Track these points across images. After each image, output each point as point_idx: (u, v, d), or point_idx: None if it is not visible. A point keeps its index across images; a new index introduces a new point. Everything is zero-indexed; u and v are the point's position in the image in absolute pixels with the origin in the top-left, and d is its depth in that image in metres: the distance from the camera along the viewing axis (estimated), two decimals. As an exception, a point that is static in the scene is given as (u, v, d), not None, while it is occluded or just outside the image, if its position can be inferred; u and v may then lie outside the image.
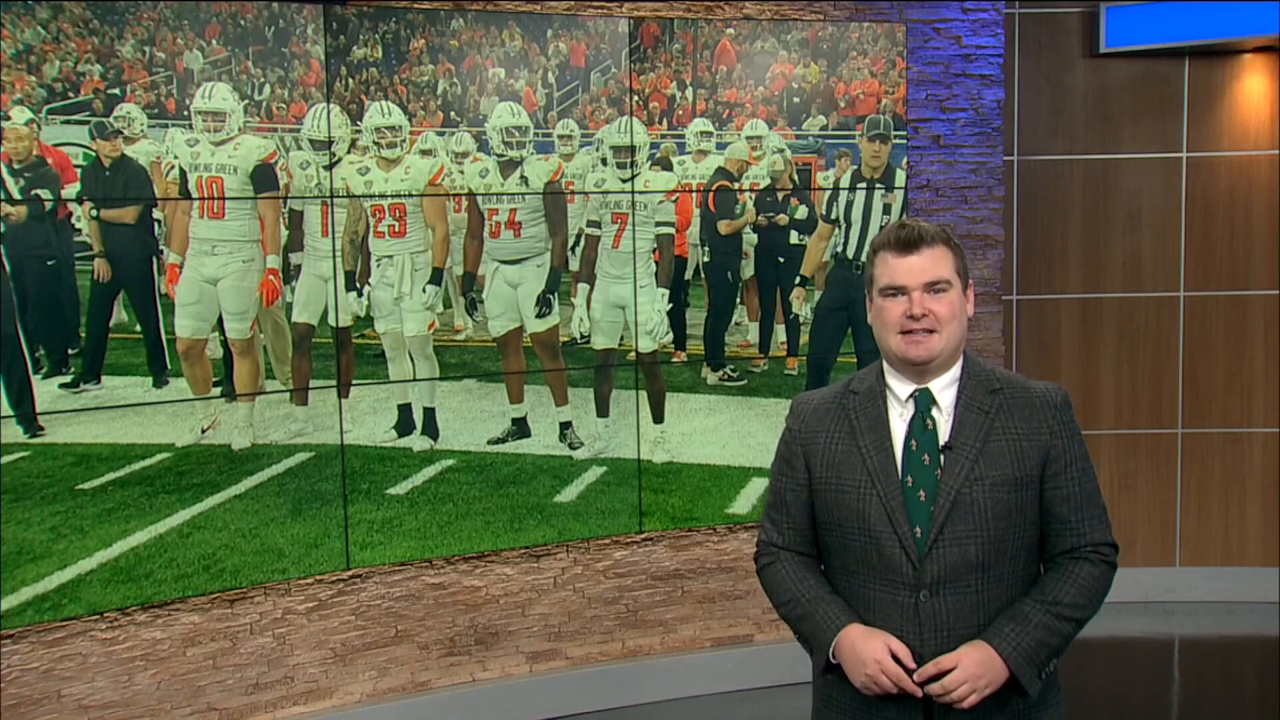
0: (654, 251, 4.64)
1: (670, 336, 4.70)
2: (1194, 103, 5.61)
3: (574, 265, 4.59)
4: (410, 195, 4.29)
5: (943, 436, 2.07)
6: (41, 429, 3.73)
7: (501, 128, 4.38)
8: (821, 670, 2.11)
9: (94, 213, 3.82)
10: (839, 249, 4.85)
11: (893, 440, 2.08)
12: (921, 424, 2.07)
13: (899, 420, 2.10)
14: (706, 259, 4.79)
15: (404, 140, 4.26)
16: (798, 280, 4.86)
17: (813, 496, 2.16)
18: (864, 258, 4.82)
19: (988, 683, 1.98)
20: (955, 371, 2.11)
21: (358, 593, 4.27)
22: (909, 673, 1.99)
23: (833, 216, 4.83)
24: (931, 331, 2.05)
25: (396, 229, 4.29)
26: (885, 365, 2.15)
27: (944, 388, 2.10)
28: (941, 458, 2.05)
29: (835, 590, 2.16)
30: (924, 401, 2.09)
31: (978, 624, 2.03)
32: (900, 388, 2.11)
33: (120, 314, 3.94)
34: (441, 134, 4.33)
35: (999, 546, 2.03)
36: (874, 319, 2.13)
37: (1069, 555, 2.09)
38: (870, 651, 2.00)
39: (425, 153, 4.31)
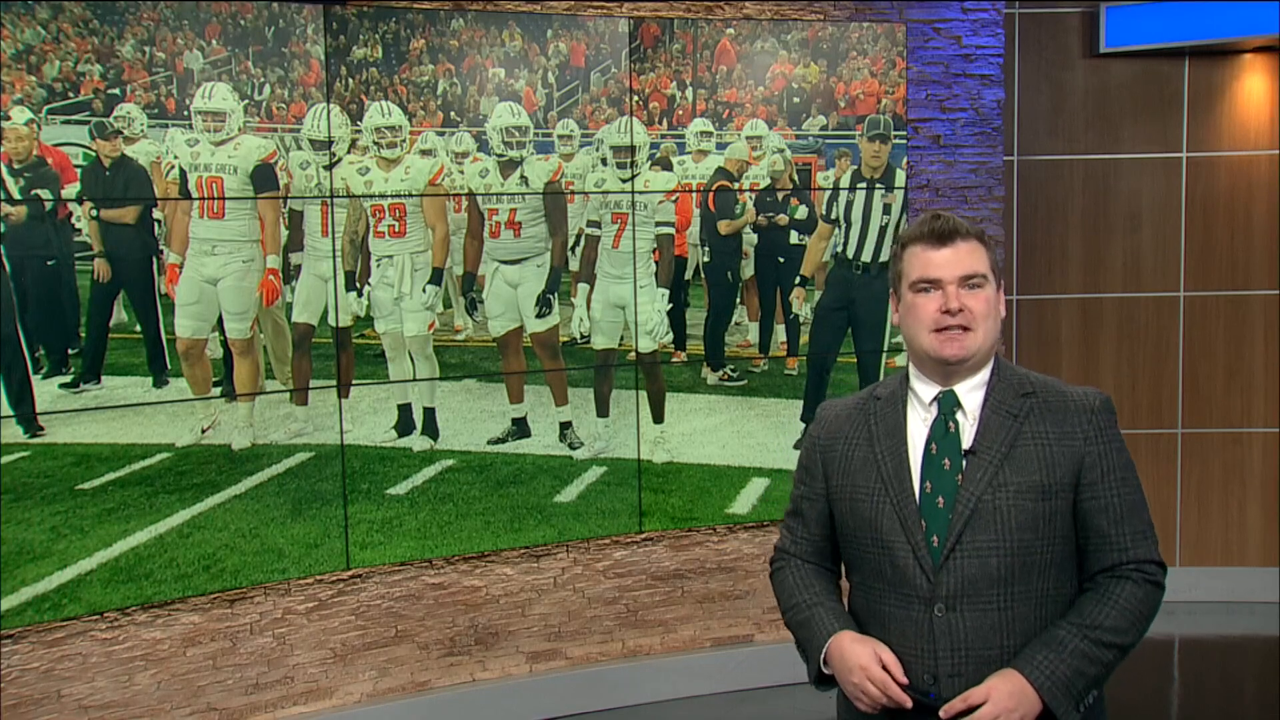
0: (654, 251, 4.64)
1: (670, 336, 4.70)
2: (1194, 103, 5.61)
3: (574, 265, 4.59)
4: (410, 195, 4.29)
5: (966, 441, 1.95)
6: (41, 429, 3.73)
7: (501, 128, 4.38)
8: (813, 680, 2.00)
9: (94, 213, 3.82)
10: (839, 249, 4.85)
11: (909, 445, 1.98)
12: (943, 427, 1.97)
13: (920, 424, 1.99)
14: (706, 259, 4.79)
15: (404, 140, 4.26)
16: (798, 280, 4.86)
17: (831, 506, 2.07)
18: (864, 257, 4.82)
19: (1020, 716, 1.84)
20: (984, 374, 2.00)
21: (358, 593, 4.27)
22: (904, 688, 1.89)
23: (833, 216, 4.83)
24: (967, 329, 1.94)
25: (396, 229, 4.29)
26: (911, 368, 2.04)
27: (971, 390, 1.99)
28: (963, 463, 1.94)
29: (853, 605, 2.06)
30: (948, 403, 1.98)
31: (1001, 645, 1.90)
32: (925, 390, 2.01)
33: (120, 314, 3.94)
34: (441, 134, 4.33)
35: (1023, 560, 1.90)
36: (904, 316, 2.01)
37: (1110, 574, 1.94)
38: (857, 658, 1.90)
39: (425, 153, 4.31)
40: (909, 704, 1.88)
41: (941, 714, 1.87)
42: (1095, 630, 1.90)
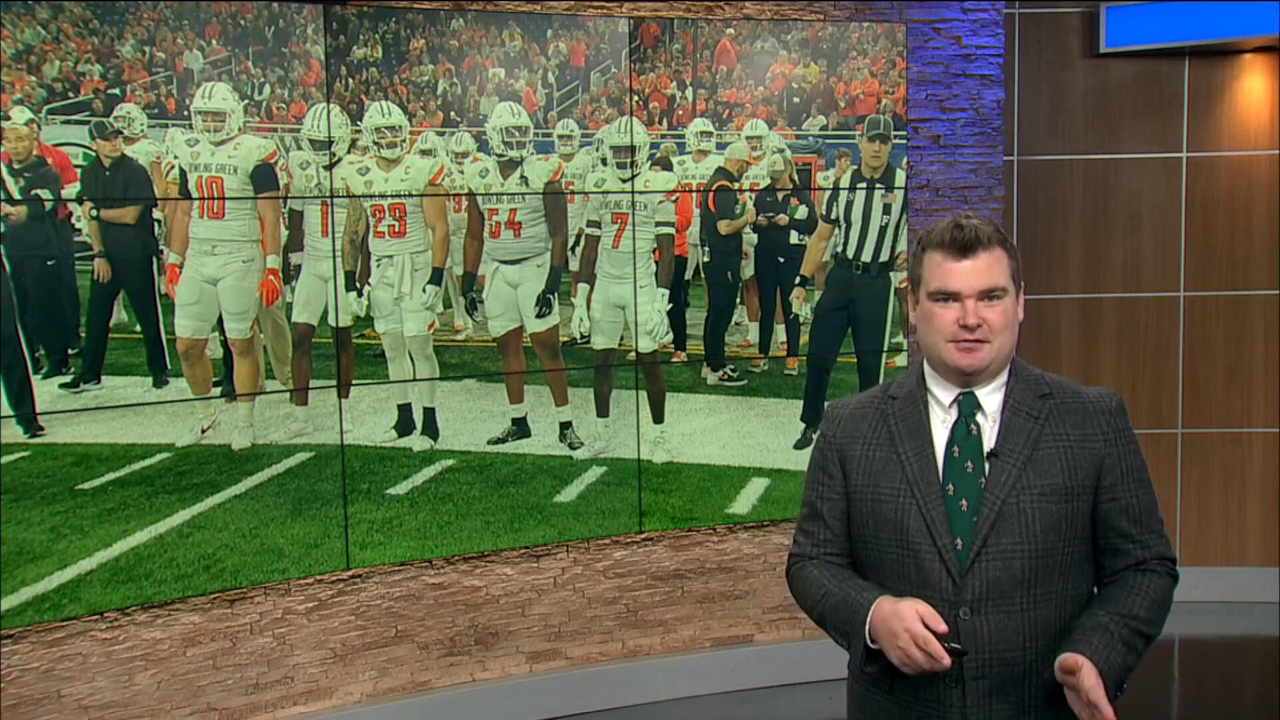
0: (654, 251, 4.64)
1: (670, 336, 4.70)
2: (1194, 103, 5.61)
3: (574, 265, 4.59)
4: (410, 195, 4.29)
5: (988, 443, 1.95)
6: (41, 429, 3.73)
7: (501, 128, 4.38)
8: (861, 661, 1.92)
9: (94, 213, 3.82)
10: (839, 249, 4.85)
11: (934, 447, 1.97)
12: (965, 429, 1.96)
13: (941, 426, 1.98)
14: (706, 259, 4.79)
15: (404, 140, 4.26)
16: (797, 280, 4.86)
17: (849, 505, 2.04)
18: (864, 257, 4.82)
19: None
20: (1002, 376, 1.99)
21: (358, 593, 4.27)
22: (942, 639, 1.81)
23: (833, 216, 4.83)
24: (984, 341, 1.93)
25: (396, 229, 4.29)
26: (927, 369, 2.03)
27: (990, 392, 1.98)
28: (986, 465, 1.94)
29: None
30: (968, 406, 1.97)
31: (1023, 646, 1.91)
32: (943, 393, 2.00)
33: (120, 314, 3.94)
34: (441, 134, 4.33)
35: (1047, 561, 1.91)
36: (920, 322, 2.00)
37: (1134, 570, 1.97)
38: (901, 622, 1.83)
39: (425, 153, 4.31)
40: (949, 664, 1.81)
41: (1060, 665, 1.83)
42: (1133, 620, 1.91)
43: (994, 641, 1.90)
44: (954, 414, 1.98)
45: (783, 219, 4.84)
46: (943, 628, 1.83)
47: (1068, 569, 1.94)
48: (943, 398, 2.00)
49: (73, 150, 3.78)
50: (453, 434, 4.45)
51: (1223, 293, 5.67)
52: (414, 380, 4.40)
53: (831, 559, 2.07)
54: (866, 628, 1.90)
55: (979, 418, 1.97)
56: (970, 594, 1.90)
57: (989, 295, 1.94)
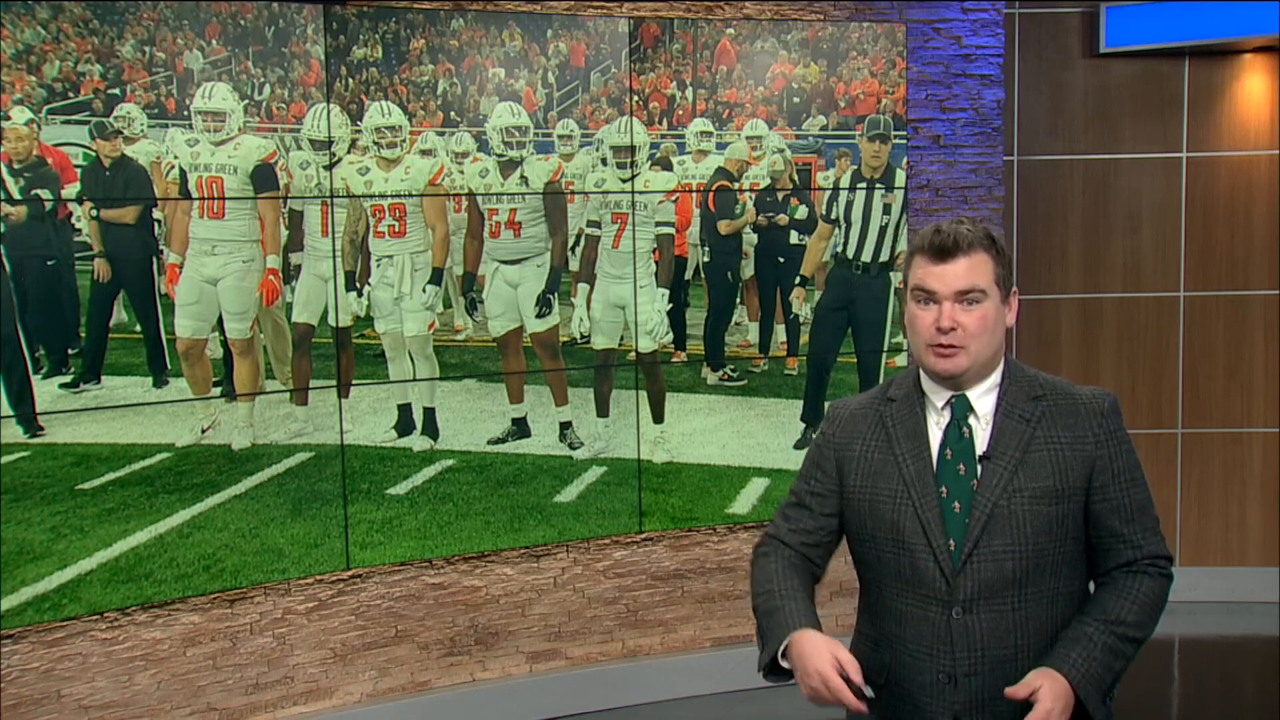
0: (654, 251, 4.64)
1: (670, 336, 4.70)
2: (1194, 103, 5.61)
3: (574, 265, 4.59)
4: (410, 195, 4.29)
5: (980, 445, 1.98)
6: (41, 429, 3.73)
7: (501, 128, 4.38)
8: (764, 668, 1.98)
9: (94, 213, 3.82)
10: (839, 249, 4.85)
11: (930, 449, 2.00)
12: (957, 432, 1.99)
13: (936, 428, 2.02)
14: (706, 259, 4.79)
15: (404, 140, 4.26)
16: (798, 280, 4.86)
17: (845, 506, 2.08)
18: (864, 257, 4.83)
19: (1061, 709, 1.87)
20: (995, 378, 2.02)
21: (358, 593, 4.28)
22: (857, 693, 1.86)
23: (833, 216, 4.83)
24: (958, 347, 1.95)
25: (396, 229, 4.29)
26: (921, 371, 2.06)
27: (982, 394, 2.01)
28: (979, 468, 1.97)
29: (867, 600, 2.09)
30: (960, 409, 2.00)
31: (1015, 645, 1.94)
32: (937, 396, 2.03)
33: (120, 314, 3.95)
34: (441, 134, 4.33)
35: (1038, 562, 1.94)
36: (907, 325, 2.05)
37: (1126, 569, 1.99)
38: (815, 662, 1.87)
39: (425, 153, 4.31)
40: (863, 709, 1.87)
41: (1007, 693, 1.89)
42: (1120, 626, 1.94)
43: (986, 640, 1.94)
44: (947, 416, 2.01)
45: (783, 219, 4.84)
46: (858, 678, 1.86)
47: (1059, 568, 1.97)
48: (937, 400, 2.03)
49: (73, 150, 3.78)
50: (453, 434, 4.45)
51: (1223, 293, 5.68)
52: (414, 380, 4.40)
53: (800, 552, 2.10)
54: (781, 647, 1.95)
55: (971, 420, 2.00)
56: (962, 594, 1.94)
57: (966, 298, 1.96)
